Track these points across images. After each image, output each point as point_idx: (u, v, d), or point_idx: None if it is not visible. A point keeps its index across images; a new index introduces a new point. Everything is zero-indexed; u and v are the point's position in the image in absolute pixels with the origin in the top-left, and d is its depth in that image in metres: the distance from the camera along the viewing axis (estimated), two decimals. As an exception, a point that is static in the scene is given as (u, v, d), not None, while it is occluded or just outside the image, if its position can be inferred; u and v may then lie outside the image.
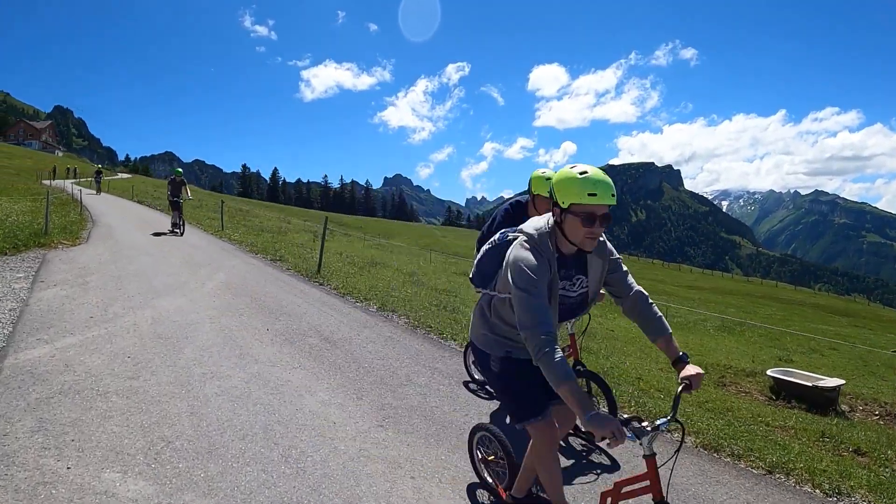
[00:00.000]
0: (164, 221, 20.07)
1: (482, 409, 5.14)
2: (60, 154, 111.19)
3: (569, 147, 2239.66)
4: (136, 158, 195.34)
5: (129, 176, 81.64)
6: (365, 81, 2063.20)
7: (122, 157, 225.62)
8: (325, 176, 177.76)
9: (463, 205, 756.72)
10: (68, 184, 38.73)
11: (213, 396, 4.73)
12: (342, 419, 4.57)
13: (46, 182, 39.29)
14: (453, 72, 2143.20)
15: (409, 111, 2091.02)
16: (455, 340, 7.55)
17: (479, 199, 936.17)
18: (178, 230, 17.45)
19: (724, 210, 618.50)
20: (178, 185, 18.03)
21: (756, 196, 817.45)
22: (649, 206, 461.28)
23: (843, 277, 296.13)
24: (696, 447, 4.76)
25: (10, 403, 4.29)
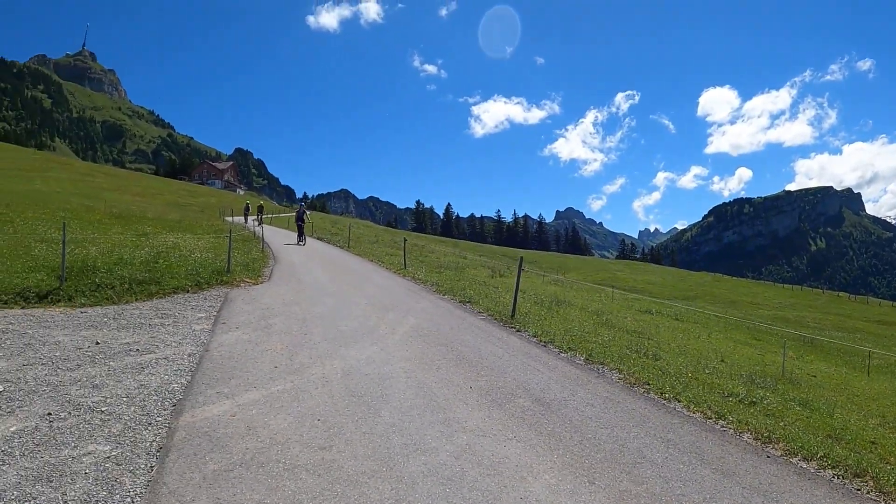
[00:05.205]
0: (348, 259, 22.26)
1: (735, 499, 4.02)
2: (242, 192, 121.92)
3: (744, 173, 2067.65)
4: (313, 196, 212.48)
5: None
6: (535, 115, 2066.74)
7: (299, 195, 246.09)
8: (499, 210, 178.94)
9: (636, 237, 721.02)
10: (251, 222, 39.51)
11: (419, 478, 3.92)
12: (581, 516, 3.54)
13: (229, 218, 41.00)
14: (623, 101, 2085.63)
15: (579, 143, 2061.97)
16: (679, 402, 6.35)
17: (651, 230, 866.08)
18: (301, 243, 25.94)
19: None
20: (302, 213, 27.79)
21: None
22: (829, 234, 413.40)
23: None
24: None
25: (184, 476, 3.77)
